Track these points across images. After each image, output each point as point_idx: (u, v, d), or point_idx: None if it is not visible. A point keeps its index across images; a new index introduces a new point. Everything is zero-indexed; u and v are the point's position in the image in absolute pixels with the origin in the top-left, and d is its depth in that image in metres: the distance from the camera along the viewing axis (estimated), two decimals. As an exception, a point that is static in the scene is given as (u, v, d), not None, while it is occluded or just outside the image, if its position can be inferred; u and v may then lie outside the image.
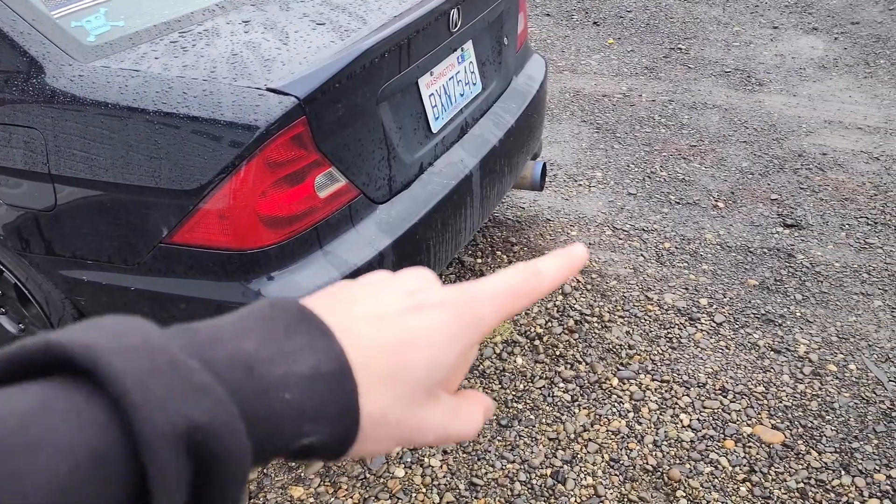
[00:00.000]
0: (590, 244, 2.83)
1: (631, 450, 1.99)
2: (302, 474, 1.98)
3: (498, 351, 2.35)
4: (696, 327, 2.39)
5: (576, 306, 2.50)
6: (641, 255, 2.76)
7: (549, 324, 2.45)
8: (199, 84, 1.59)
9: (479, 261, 2.79)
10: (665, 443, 2.01)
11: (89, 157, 1.63)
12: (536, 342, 2.37)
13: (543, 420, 2.09)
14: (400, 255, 1.87)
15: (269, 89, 1.57)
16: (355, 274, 1.75)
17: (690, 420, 2.07)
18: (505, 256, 2.81)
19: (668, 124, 3.73)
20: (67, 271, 1.82)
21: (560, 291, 2.57)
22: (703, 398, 2.14)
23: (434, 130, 2.04)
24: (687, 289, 2.57)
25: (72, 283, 1.83)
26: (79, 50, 1.72)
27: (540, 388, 2.20)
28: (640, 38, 4.84)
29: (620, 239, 2.86)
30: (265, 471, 1.98)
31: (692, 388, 2.17)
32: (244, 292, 1.67)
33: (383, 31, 1.75)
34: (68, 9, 1.79)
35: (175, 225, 1.63)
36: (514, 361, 2.31)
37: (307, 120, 1.60)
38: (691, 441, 2.01)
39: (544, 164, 2.70)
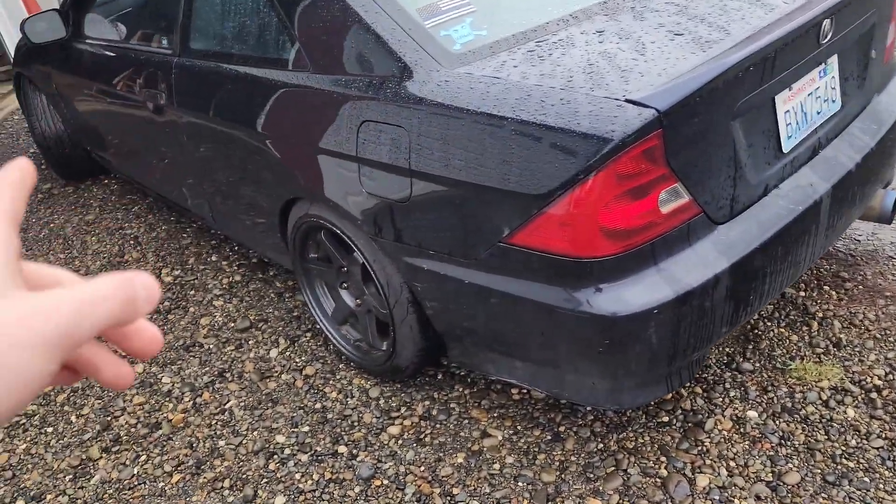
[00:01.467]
0: (946, 291, 2.42)
1: None
2: (600, 487, 1.96)
3: (825, 397, 2.11)
4: None
5: (925, 361, 2.16)
6: None
7: (891, 376, 2.14)
8: (557, 93, 1.63)
9: (803, 294, 2.54)
10: None
11: (447, 156, 1.76)
12: (873, 395, 2.09)
13: (881, 486, 1.83)
14: (735, 280, 1.75)
15: (627, 100, 1.56)
16: (688, 296, 1.68)
17: None
18: (834, 293, 2.51)
19: None
20: (411, 258, 1.98)
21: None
22: None
23: (785, 150, 1.88)
24: None
25: (413, 269, 1.99)
26: (446, 57, 1.87)
27: (877, 449, 1.93)
28: None
29: None
30: (562, 476, 2.00)
31: None
32: (568, 299, 1.69)
33: (750, 44, 1.65)
34: (439, 19, 1.95)
35: (517, 226, 1.70)
36: (845, 413, 2.05)
37: (663, 133, 1.56)
38: None
39: (898, 194, 2.37)
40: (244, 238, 2.85)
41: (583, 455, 2.07)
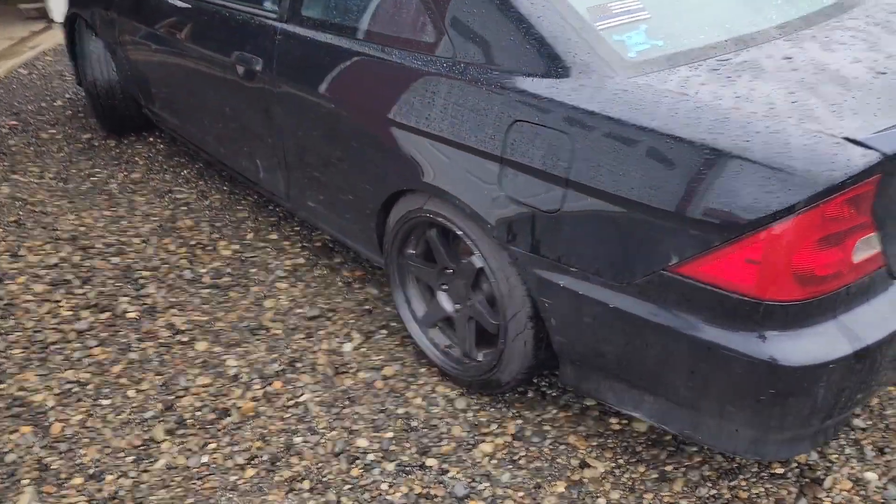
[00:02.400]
0: None
1: None
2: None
3: (947, 468, 2.01)
4: None
5: None
6: None
7: None
8: (760, 120, 1.51)
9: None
10: None
11: (615, 171, 1.63)
12: None
13: None
14: (907, 340, 1.65)
15: (846, 138, 1.44)
16: (864, 352, 1.57)
17: None
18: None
19: None
20: (545, 272, 1.85)
21: None
22: None
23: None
24: None
25: (545, 284, 1.86)
26: (619, 64, 1.74)
27: None
28: None
29: None
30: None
31: None
32: (737, 341, 1.57)
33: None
34: (611, 21, 1.82)
35: (690, 256, 1.58)
36: (969, 487, 1.96)
37: (880, 180, 1.44)
38: None
39: None
40: (325, 221, 2.70)
41: (693, 499, 1.95)
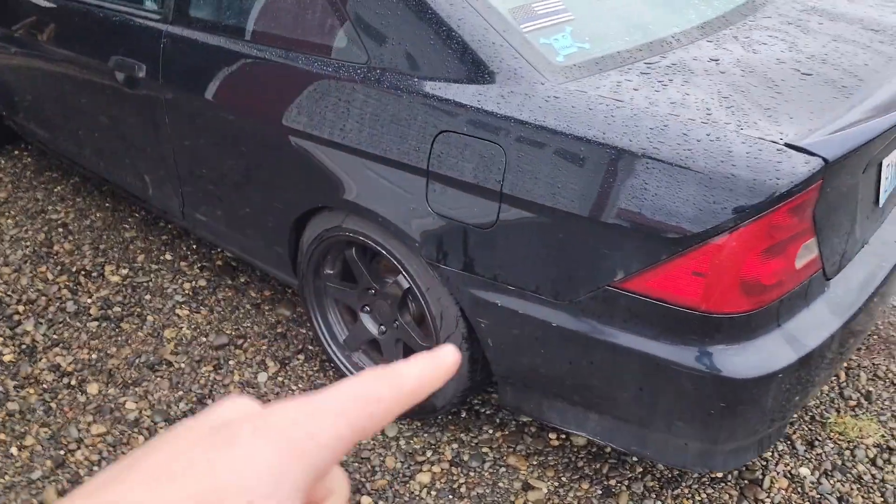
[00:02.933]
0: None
1: None
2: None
3: (871, 455, 2.07)
4: None
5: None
6: None
7: (928, 435, 2.14)
8: (700, 127, 1.46)
9: None
10: None
11: (554, 183, 1.54)
12: (916, 454, 2.07)
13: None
14: (843, 338, 1.66)
15: (788, 145, 1.40)
16: (808, 358, 1.56)
17: None
18: (849, 340, 2.51)
19: None
20: (480, 291, 1.74)
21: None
22: None
23: (880, 204, 1.81)
24: None
25: (481, 304, 1.75)
26: (549, 69, 1.64)
27: (937, 514, 1.90)
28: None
29: None
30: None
31: None
32: (686, 356, 1.52)
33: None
34: (536, 24, 1.72)
35: (635, 270, 1.51)
36: (893, 472, 2.02)
37: (821, 186, 1.42)
38: None
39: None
40: (227, 241, 2.48)
41: (639, 513, 1.91)
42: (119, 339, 2.50)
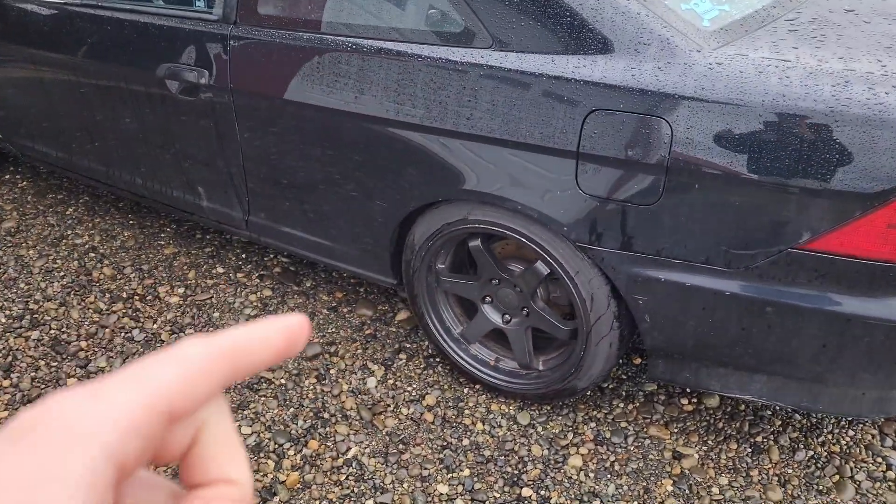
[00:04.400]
0: None
1: None
2: (837, 500, 1.84)
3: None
4: None
5: None
6: None
7: None
8: (882, 79, 1.45)
9: None
10: None
11: (731, 152, 1.51)
12: None
13: None
14: None
15: (978, 90, 1.41)
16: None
17: None
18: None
19: None
20: (640, 269, 1.71)
21: None
22: None
23: None
24: None
25: (640, 281, 1.73)
26: (699, 36, 1.60)
27: None
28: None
29: None
30: (790, 492, 1.86)
31: None
32: (878, 308, 1.54)
33: None
34: (672, -11, 1.68)
35: (823, 231, 1.50)
36: None
37: None
38: None
39: None
40: (306, 247, 2.36)
41: (795, 466, 1.94)
42: (204, 362, 2.36)
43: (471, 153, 1.80)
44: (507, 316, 2.07)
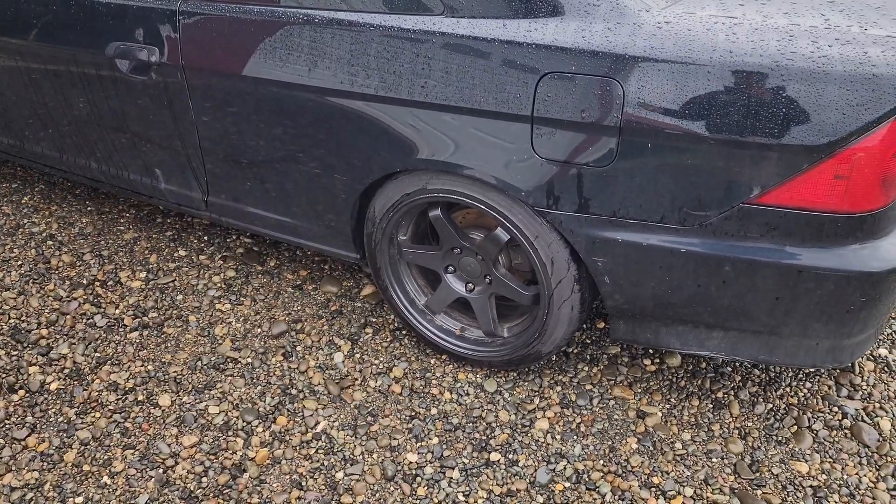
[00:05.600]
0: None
1: None
2: (796, 449, 1.90)
3: (935, 327, 2.23)
4: None
5: None
6: None
7: None
8: (826, 33, 1.48)
9: None
10: None
11: (681, 110, 1.53)
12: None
13: None
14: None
15: (917, 40, 1.44)
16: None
17: None
18: None
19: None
20: (597, 230, 1.73)
21: None
22: None
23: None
24: None
25: (598, 243, 1.75)
26: (646, -5, 1.61)
27: None
28: None
29: None
30: (750, 444, 1.91)
31: None
32: (828, 258, 1.58)
33: None
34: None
35: (773, 184, 1.53)
36: (958, 339, 2.19)
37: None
38: None
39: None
40: (266, 225, 2.34)
41: (755, 419, 1.99)
42: (169, 344, 2.35)
43: (426, 122, 1.80)
44: (470, 285, 2.09)
